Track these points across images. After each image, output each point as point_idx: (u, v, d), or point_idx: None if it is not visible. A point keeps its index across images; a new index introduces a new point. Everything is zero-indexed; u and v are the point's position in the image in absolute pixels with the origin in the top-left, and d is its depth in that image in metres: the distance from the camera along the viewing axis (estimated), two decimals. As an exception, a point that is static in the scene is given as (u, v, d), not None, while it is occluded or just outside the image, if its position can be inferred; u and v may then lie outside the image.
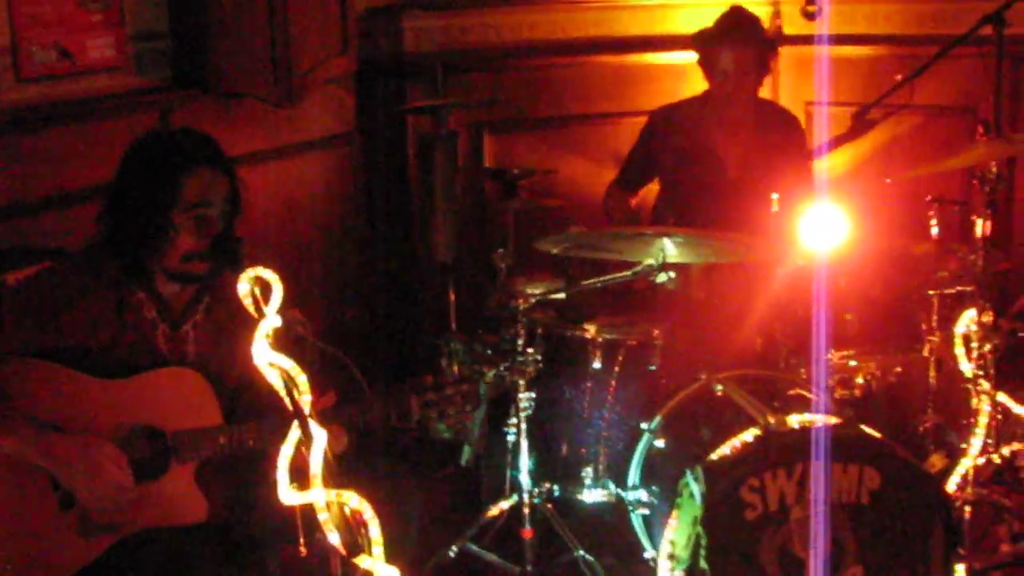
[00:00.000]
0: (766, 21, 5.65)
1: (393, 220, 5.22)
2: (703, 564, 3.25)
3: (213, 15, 4.41)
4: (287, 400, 2.35)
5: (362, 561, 2.09)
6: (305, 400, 2.34)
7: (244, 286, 2.62)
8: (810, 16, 4.43)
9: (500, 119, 5.24)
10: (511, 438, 3.89)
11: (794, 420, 3.43)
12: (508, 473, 3.99)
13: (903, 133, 5.21)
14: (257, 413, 3.11)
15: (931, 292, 3.74)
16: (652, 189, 4.87)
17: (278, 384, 2.39)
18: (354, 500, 2.15)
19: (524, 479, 3.83)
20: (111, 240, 3.06)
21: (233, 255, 2.82)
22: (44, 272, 3.08)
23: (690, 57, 5.38)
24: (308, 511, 2.23)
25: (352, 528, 2.12)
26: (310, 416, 2.33)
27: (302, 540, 2.24)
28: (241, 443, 3.02)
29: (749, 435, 3.43)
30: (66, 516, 2.90)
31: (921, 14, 5.36)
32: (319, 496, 2.11)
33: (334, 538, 2.11)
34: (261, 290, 2.62)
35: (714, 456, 3.43)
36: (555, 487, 3.95)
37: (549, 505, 3.91)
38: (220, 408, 3.05)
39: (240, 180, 3.10)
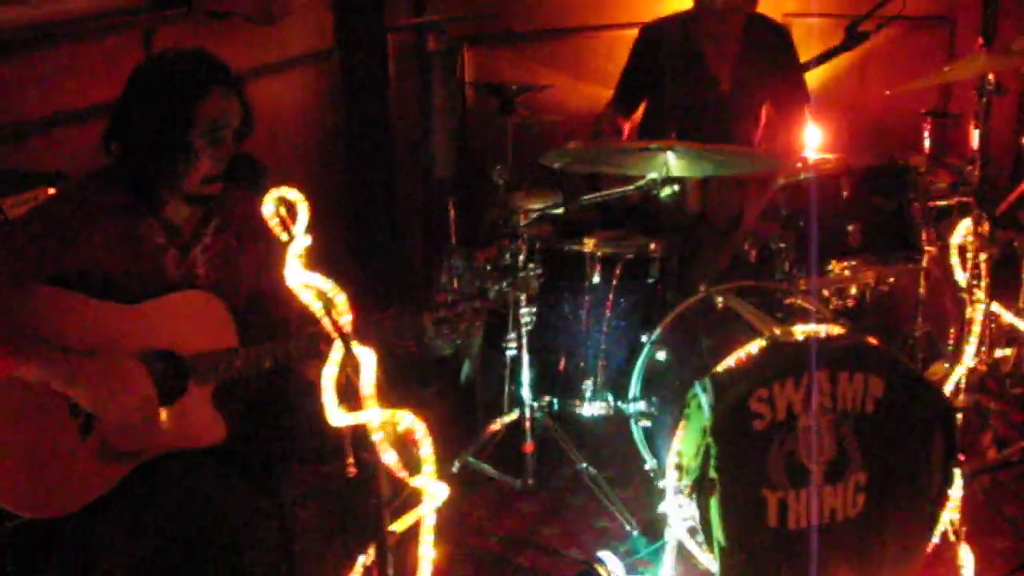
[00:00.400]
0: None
1: (375, 135, 5.17)
2: (712, 473, 3.31)
3: (194, -70, 4.33)
4: (326, 321, 2.34)
5: (415, 480, 2.10)
6: (346, 320, 2.33)
7: (269, 207, 2.60)
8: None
9: (478, 33, 5.18)
10: (510, 353, 3.91)
11: (799, 330, 3.46)
12: (506, 388, 4.01)
13: (881, 44, 5.22)
14: (267, 332, 3.12)
15: (930, 203, 3.77)
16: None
17: (314, 305, 2.38)
18: (408, 419, 2.16)
19: (526, 394, 3.87)
20: (121, 166, 3.01)
21: (252, 175, 2.80)
22: (52, 200, 3.02)
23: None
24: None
25: (407, 447, 2.13)
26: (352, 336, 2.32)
27: (351, 460, 2.24)
28: (258, 364, 3.01)
29: (754, 346, 3.45)
30: (85, 443, 2.88)
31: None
32: (374, 416, 2.11)
33: (390, 457, 2.11)
34: (287, 210, 2.60)
35: (721, 367, 3.45)
36: (554, 401, 3.98)
37: (549, 419, 3.95)
38: (235, 329, 3.04)
39: (249, 99, 3.06)
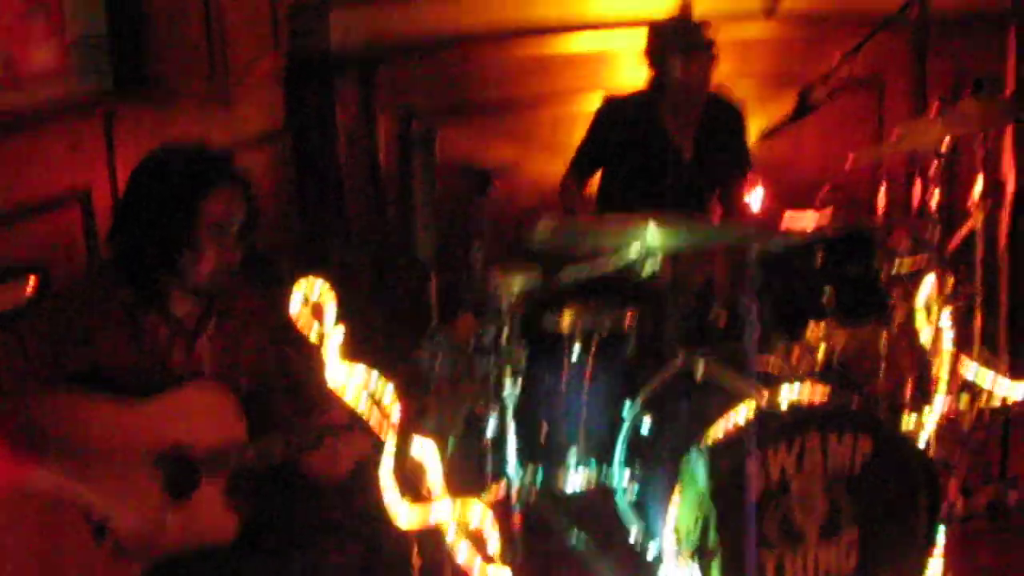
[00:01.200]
0: (677, 5, 5.82)
1: (327, 215, 5.20)
2: (713, 539, 3.38)
3: (150, 16, 4.34)
4: (372, 412, 2.36)
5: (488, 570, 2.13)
6: (396, 411, 2.35)
7: (297, 300, 2.63)
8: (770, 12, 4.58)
9: (426, 108, 5.24)
10: (491, 428, 3.92)
11: (784, 395, 3.56)
12: (488, 462, 4.02)
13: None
14: (271, 420, 3.13)
15: (897, 263, 3.91)
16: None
17: (359, 396, 2.40)
18: (478, 509, 2.18)
19: (511, 469, 3.89)
20: (125, 261, 3.00)
21: (269, 275, 2.82)
22: (57, 300, 3.01)
23: (610, 40, 5.51)
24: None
25: (477, 536, 2.15)
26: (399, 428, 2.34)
27: (416, 551, 2.25)
28: (269, 455, 3.01)
29: (742, 412, 3.54)
30: (99, 547, 2.86)
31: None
32: (445, 509, 2.13)
33: (463, 549, 2.13)
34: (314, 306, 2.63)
35: (711, 435, 3.54)
36: (537, 475, 4.01)
37: (532, 493, 3.98)
38: (245, 420, 3.03)
39: (255, 194, 3.07)
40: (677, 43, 4.59)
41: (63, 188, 4.12)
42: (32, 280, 3.55)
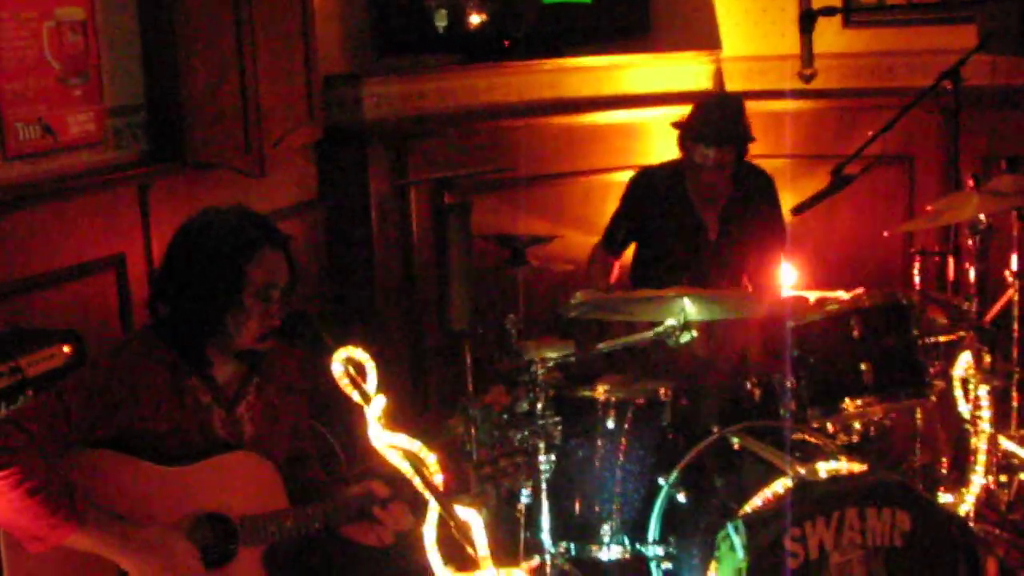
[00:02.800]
0: (709, 80, 5.87)
1: (359, 282, 5.23)
2: (749, 615, 3.33)
3: (187, 88, 4.38)
4: (417, 481, 2.34)
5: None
6: (438, 480, 2.34)
7: (338, 368, 2.62)
8: (807, 79, 4.58)
9: (457, 182, 5.27)
10: (525, 500, 3.91)
11: (821, 468, 3.53)
12: (522, 535, 4.00)
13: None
14: (308, 488, 3.11)
15: (933, 339, 3.90)
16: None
17: (402, 466, 2.39)
18: (521, 577, 2.16)
19: (546, 540, 3.86)
20: (168, 325, 3.00)
21: (309, 334, 2.82)
22: (100, 362, 2.99)
23: (640, 115, 5.56)
24: None
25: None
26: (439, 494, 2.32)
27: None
28: (308, 525, 2.99)
29: (780, 485, 3.51)
30: (133, 606, 2.84)
31: (859, 67, 5.63)
32: (491, 576, 2.11)
33: (510, 618, 2.11)
34: (356, 370, 2.62)
35: (749, 508, 3.50)
36: (572, 546, 3.98)
37: (566, 566, 3.94)
38: (285, 490, 3.01)
39: (295, 257, 3.08)
40: (703, 130, 4.57)
41: (98, 255, 4.15)
42: (67, 348, 3.56)
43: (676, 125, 4.65)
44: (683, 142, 4.63)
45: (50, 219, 3.97)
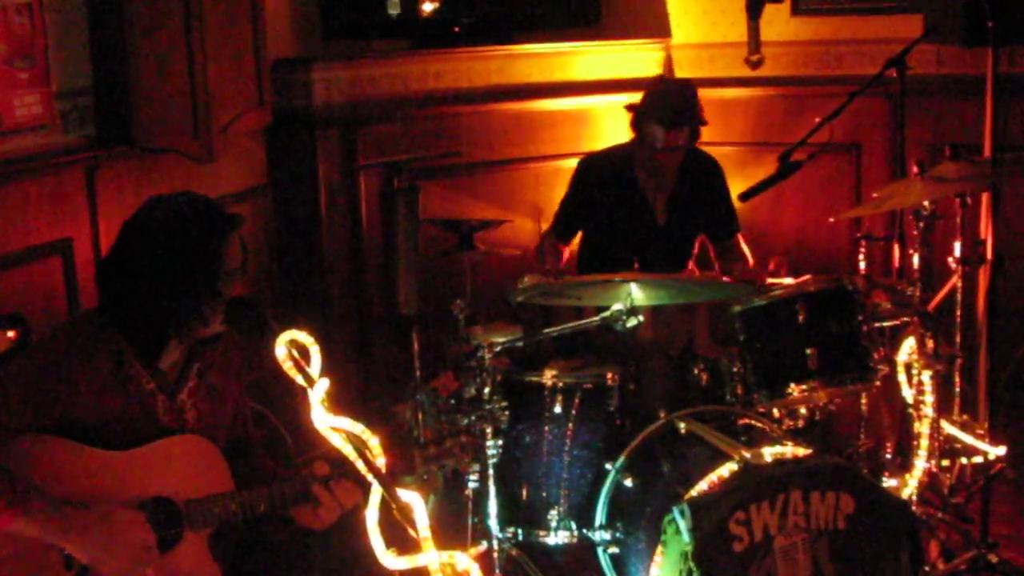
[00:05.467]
0: (659, 67, 5.90)
1: (309, 271, 5.22)
2: (695, 599, 3.36)
3: (135, 71, 4.34)
4: (360, 464, 2.35)
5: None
6: (380, 463, 2.34)
7: (281, 351, 2.62)
8: (754, 65, 4.61)
9: (406, 167, 5.28)
10: (472, 485, 3.92)
11: (767, 452, 3.56)
12: (469, 520, 4.01)
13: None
14: (254, 472, 3.11)
15: (878, 325, 3.94)
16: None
17: (344, 448, 2.39)
18: (463, 561, 2.17)
19: (493, 525, 3.87)
20: (128, 314, 2.97)
21: (255, 317, 2.82)
22: (41, 347, 2.97)
23: (590, 101, 5.57)
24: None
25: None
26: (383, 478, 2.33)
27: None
28: (253, 507, 2.99)
29: (725, 469, 3.54)
30: (81, 591, 2.82)
31: (807, 55, 5.67)
32: (432, 559, 2.12)
33: (452, 600, 2.12)
34: (299, 353, 2.62)
35: (695, 492, 3.53)
36: (519, 531, 3.99)
37: (514, 551, 3.95)
38: (230, 473, 3.01)
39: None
40: (655, 110, 4.61)
41: (44, 239, 4.11)
42: (12, 332, 3.53)
43: (630, 108, 4.67)
44: (637, 124, 4.65)
45: (-1, 202, 3.95)
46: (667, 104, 4.59)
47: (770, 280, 4.16)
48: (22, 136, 4.06)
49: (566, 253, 4.85)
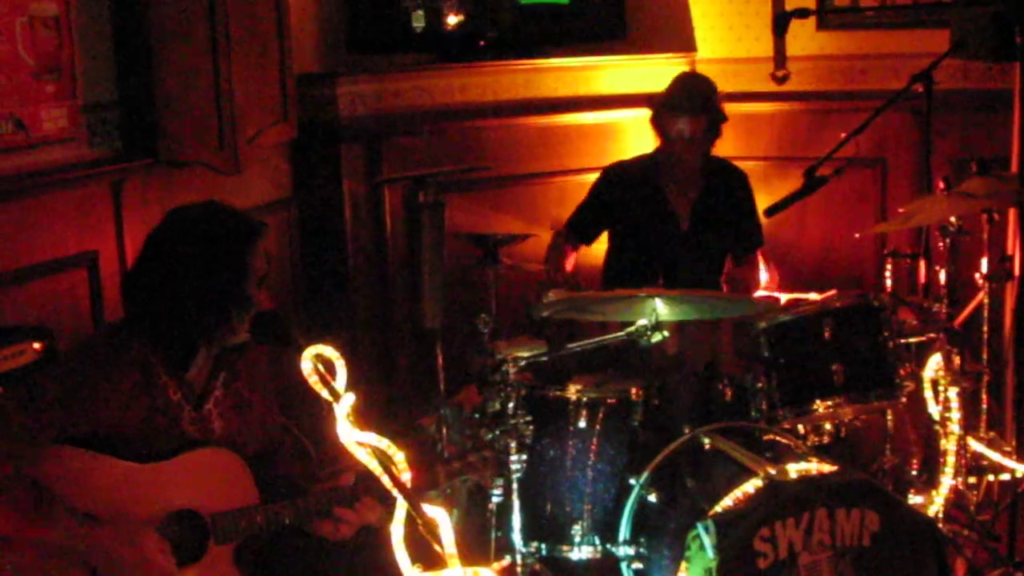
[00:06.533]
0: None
1: (333, 284, 5.22)
2: (719, 615, 3.34)
3: (160, 85, 4.36)
4: (385, 479, 2.34)
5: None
6: (406, 478, 2.34)
7: (307, 365, 2.61)
8: (780, 80, 4.60)
9: (431, 181, 5.27)
10: (496, 499, 3.91)
11: (792, 468, 3.54)
12: (492, 535, 4.00)
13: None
14: (280, 484, 3.11)
15: (904, 341, 3.92)
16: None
17: (370, 463, 2.38)
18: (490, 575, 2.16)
19: (517, 540, 3.86)
20: (156, 324, 2.98)
21: (281, 330, 2.83)
22: (71, 359, 2.99)
23: (615, 116, 5.56)
24: None
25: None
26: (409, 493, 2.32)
27: (428, 620, 2.22)
28: (278, 521, 2.99)
29: (750, 486, 3.52)
30: (104, 605, 2.83)
31: (832, 70, 5.66)
32: (458, 575, 2.12)
33: (478, 617, 2.11)
34: (325, 367, 2.61)
35: (720, 508, 3.51)
36: (542, 546, 3.98)
37: (537, 565, 3.94)
38: (256, 486, 3.01)
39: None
40: (675, 101, 4.64)
41: (70, 251, 4.13)
42: (38, 344, 3.54)
43: (649, 102, 4.71)
44: (657, 118, 4.70)
45: (22, 215, 3.94)
46: (683, 93, 4.67)
47: (800, 296, 4.16)
48: (49, 149, 4.07)
49: (573, 257, 4.85)
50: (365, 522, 3.01)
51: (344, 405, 2.48)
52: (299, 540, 3.08)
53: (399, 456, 2.38)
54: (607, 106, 5.71)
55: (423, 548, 2.29)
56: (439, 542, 2.21)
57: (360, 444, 2.40)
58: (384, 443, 2.38)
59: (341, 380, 2.59)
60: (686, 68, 5.83)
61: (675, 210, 4.76)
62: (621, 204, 4.78)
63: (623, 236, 4.81)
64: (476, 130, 5.49)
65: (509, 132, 5.55)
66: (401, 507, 2.31)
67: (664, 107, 4.68)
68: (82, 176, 4.19)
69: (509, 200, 5.53)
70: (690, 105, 4.62)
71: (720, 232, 4.80)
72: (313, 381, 2.59)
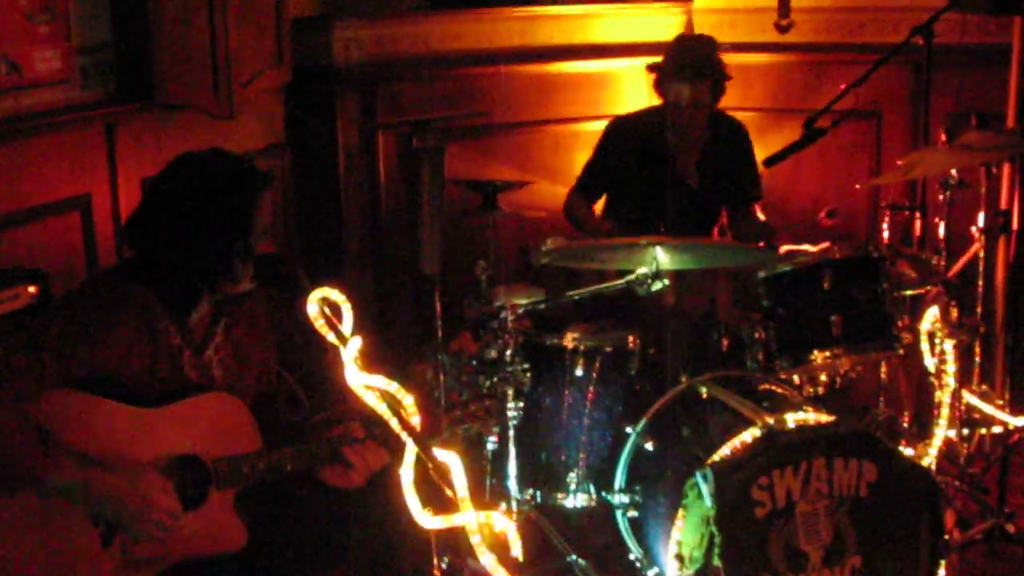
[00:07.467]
0: (680, 30, 5.85)
1: (326, 226, 5.20)
2: (717, 562, 3.35)
3: (155, 27, 4.33)
4: (394, 422, 2.34)
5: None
6: (415, 422, 2.33)
7: (313, 308, 2.60)
8: (783, 29, 4.58)
9: (429, 126, 5.24)
10: (491, 447, 3.91)
11: (791, 419, 3.55)
12: (488, 481, 4.01)
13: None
14: (277, 430, 3.10)
15: (903, 293, 3.92)
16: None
17: (378, 406, 2.38)
18: (501, 520, 2.16)
19: (512, 487, 3.87)
20: (161, 269, 2.96)
21: (290, 275, 2.82)
22: (73, 302, 2.96)
23: (612, 64, 5.53)
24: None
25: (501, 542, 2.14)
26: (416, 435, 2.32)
27: (436, 562, 2.23)
28: (280, 468, 2.99)
29: (748, 435, 3.52)
30: (108, 552, 2.82)
31: (829, 22, 5.64)
32: (470, 519, 2.11)
33: (488, 560, 2.11)
34: (331, 311, 2.61)
35: (717, 457, 3.52)
36: (537, 493, 3.99)
37: (533, 512, 3.95)
38: (259, 432, 3.00)
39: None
40: (677, 67, 4.60)
41: (64, 195, 4.10)
42: (33, 288, 3.52)
43: (651, 68, 4.67)
44: (659, 83, 4.66)
45: (14, 158, 3.91)
46: (687, 59, 4.61)
47: (794, 247, 4.15)
48: (42, 91, 4.04)
49: (595, 211, 4.85)
50: (374, 468, 3.00)
51: (352, 348, 2.48)
52: (300, 483, 3.07)
53: (408, 400, 2.37)
54: (603, 55, 5.67)
55: (432, 492, 2.29)
56: (451, 486, 2.20)
57: (368, 387, 2.40)
58: (393, 387, 2.38)
59: (347, 324, 2.59)
60: (683, 17, 5.80)
61: (679, 165, 4.74)
62: (625, 161, 4.76)
63: (626, 188, 4.79)
64: (472, 77, 5.46)
65: (504, 80, 5.51)
66: (411, 451, 2.30)
67: (667, 75, 4.62)
68: (75, 119, 4.16)
69: (504, 148, 5.50)
70: (694, 72, 4.56)
71: (723, 184, 4.79)
72: (319, 325, 2.58)
